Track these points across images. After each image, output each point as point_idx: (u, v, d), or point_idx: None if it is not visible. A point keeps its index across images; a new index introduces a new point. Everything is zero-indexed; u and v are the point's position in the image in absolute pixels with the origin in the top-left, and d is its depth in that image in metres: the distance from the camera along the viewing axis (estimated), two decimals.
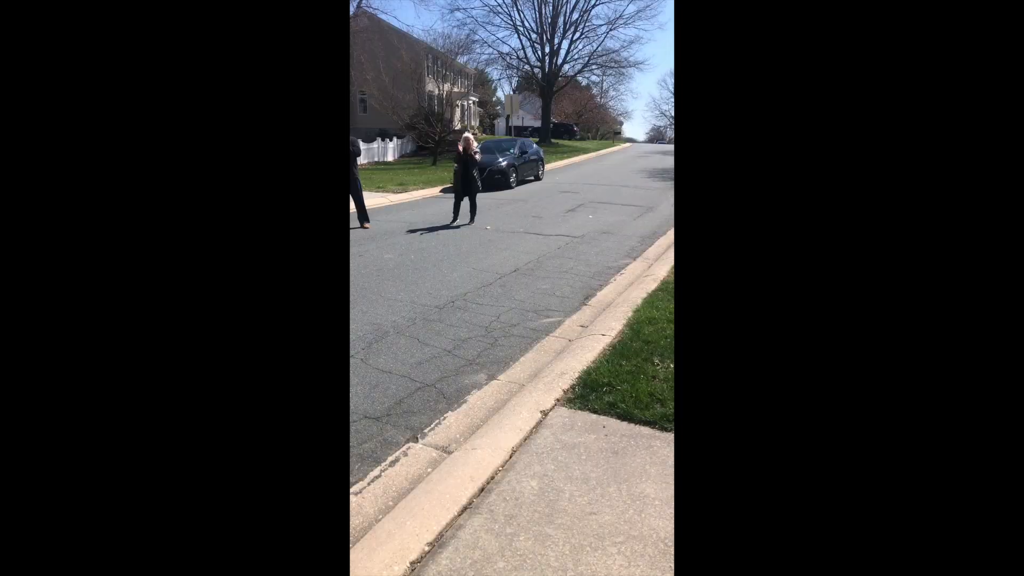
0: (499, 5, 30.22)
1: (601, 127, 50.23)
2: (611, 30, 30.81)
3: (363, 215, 7.83)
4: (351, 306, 4.34)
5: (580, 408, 2.61)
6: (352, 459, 2.32)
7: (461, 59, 28.27)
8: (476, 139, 8.95)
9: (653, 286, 4.60)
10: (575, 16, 30.18)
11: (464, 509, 1.92)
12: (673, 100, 62.83)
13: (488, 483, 2.07)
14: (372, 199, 8.29)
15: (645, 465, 2.15)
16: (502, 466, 2.18)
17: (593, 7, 30.32)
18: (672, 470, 2.11)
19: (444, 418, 2.68)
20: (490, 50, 30.95)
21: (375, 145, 22.08)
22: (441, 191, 12.54)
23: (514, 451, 2.28)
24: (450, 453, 2.36)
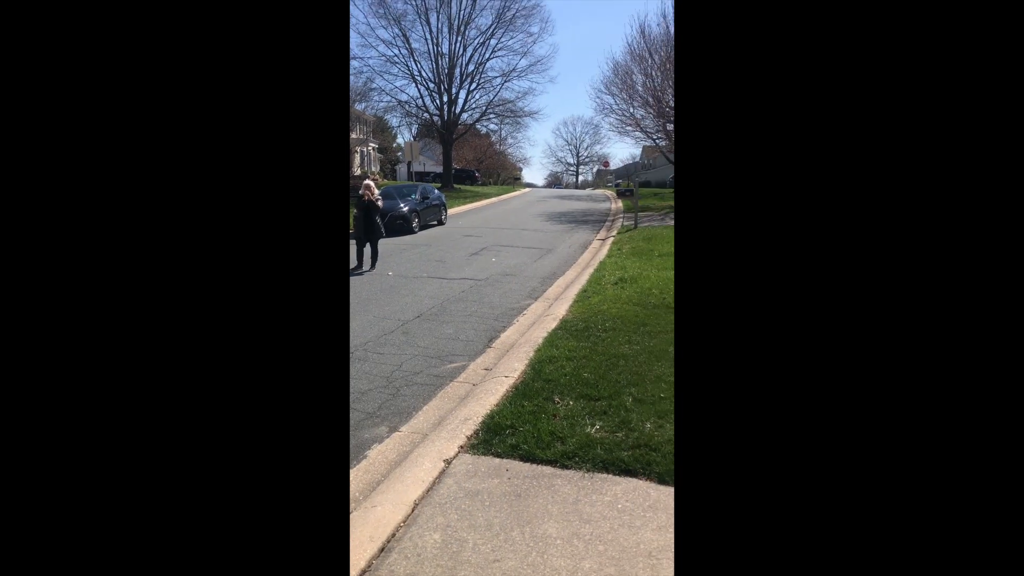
0: (396, 56, 30.72)
1: (501, 173, 51.99)
2: (506, 82, 32.37)
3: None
4: None
5: (483, 453, 2.61)
6: None
7: (359, 106, 28.26)
8: (377, 185, 8.90)
9: (553, 325, 4.75)
10: (471, 68, 31.46)
11: (363, 574, 1.83)
12: (569, 147, 66.54)
13: (389, 541, 1.99)
14: None
15: (547, 505, 2.18)
16: (404, 521, 2.11)
17: (488, 60, 31.79)
18: (573, 506, 2.16)
19: None
20: (388, 98, 31.19)
21: None
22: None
23: (416, 504, 2.22)
24: (349, 514, 2.25)
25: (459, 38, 30.59)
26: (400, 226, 12.47)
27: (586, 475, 2.39)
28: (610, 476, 2.38)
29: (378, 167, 35.08)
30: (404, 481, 2.38)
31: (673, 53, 18.77)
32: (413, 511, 2.17)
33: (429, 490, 2.32)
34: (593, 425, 2.80)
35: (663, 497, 2.21)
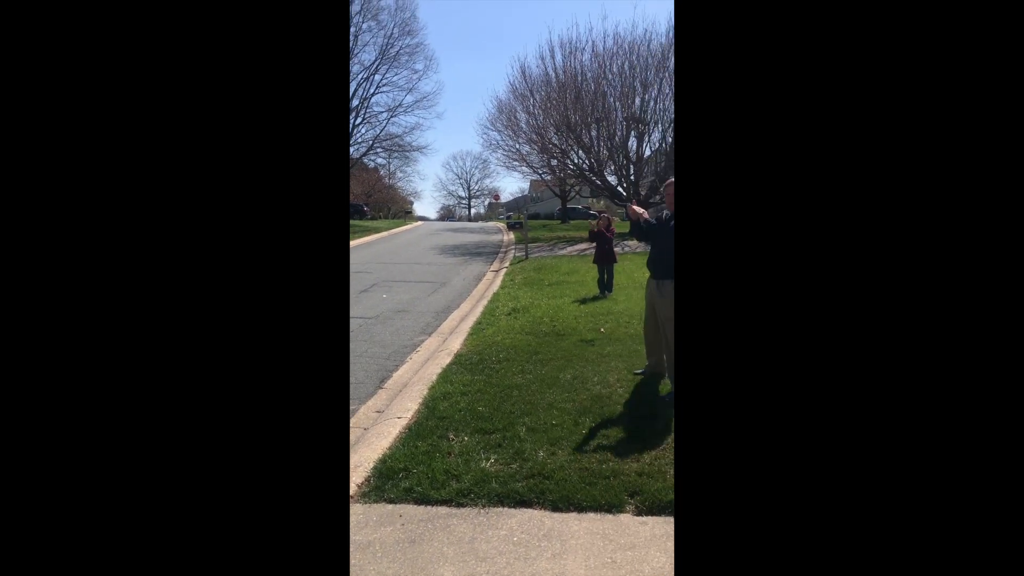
0: None
1: (392, 207, 51.39)
2: (392, 117, 32.36)
3: None
4: None
5: (375, 501, 2.50)
6: None
7: None
8: None
9: (448, 360, 4.72)
10: (355, 103, 31.10)
11: None
12: (460, 181, 67.53)
13: None
14: None
15: (442, 548, 2.12)
16: None
17: (372, 95, 31.64)
18: (469, 545, 2.13)
19: None
20: None
21: None
22: None
23: None
24: None
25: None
26: None
27: (482, 511, 2.37)
28: (505, 509, 2.38)
29: None
30: None
31: (552, 92, 19.96)
32: None
33: None
34: (488, 459, 2.80)
35: (557, 525, 2.25)
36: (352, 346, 5.68)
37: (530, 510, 2.36)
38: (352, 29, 29.73)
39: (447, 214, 68.99)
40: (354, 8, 29.41)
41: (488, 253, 16.42)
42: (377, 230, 27.74)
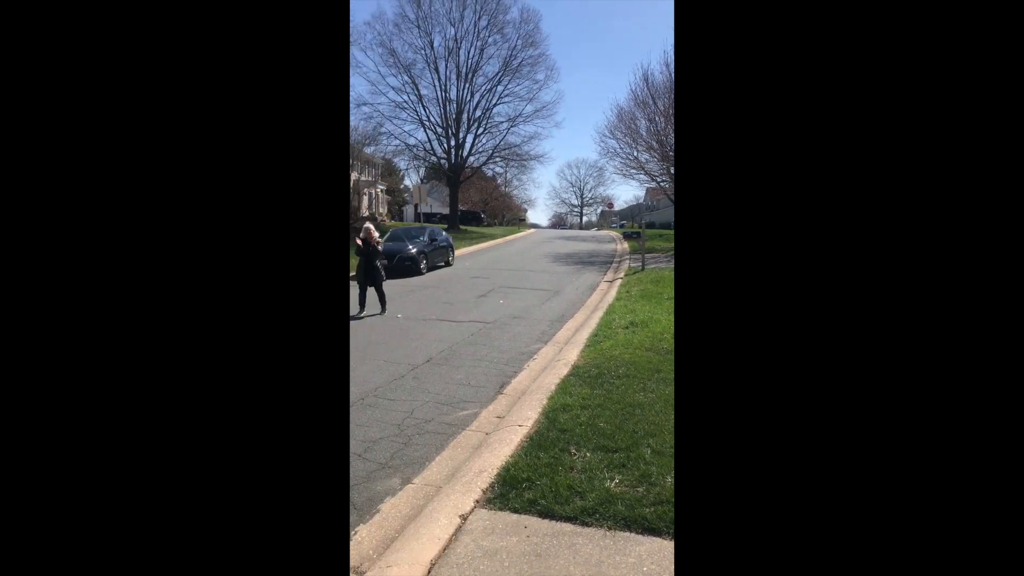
0: (405, 101, 31.67)
1: (507, 214, 52.67)
2: (512, 127, 33.21)
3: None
4: None
5: (500, 508, 2.53)
6: None
7: (368, 150, 28.96)
8: (386, 226, 8.99)
9: (565, 371, 4.70)
10: (478, 114, 32.36)
11: None
12: (573, 188, 67.53)
13: None
14: None
15: (569, 566, 2.09)
16: None
17: (495, 106, 32.71)
18: (596, 568, 2.08)
19: (355, 533, 2.48)
20: (397, 142, 32.00)
21: None
22: (352, 278, 12.30)
23: (433, 564, 2.14)
24: (362, 575, 2.16)
25: (467, 85, 31.58)
26: (408, 267, 12.55)
27: (608, 533, 2.31)
28: (633, 535, 2.29)
29: (385, 208, 35.65)
30: (420, 539, 2.30)
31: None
32: (430, 572, 2.09)
33: (445, 549, 2.24)
34: (612, 479, 2.72)
35: None
36: (472, 350, 5.87)
37: (660, 539, 2.25)
38: (478, 43, 30.98)
39: (559, 222, 69.28)
40: (482, 23, 30.63)
41: (601, 262, 16.20)
42: (492, 237, 28.58)
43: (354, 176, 24.35)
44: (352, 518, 2.60)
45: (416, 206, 35.25)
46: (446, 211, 36.06)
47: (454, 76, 31.50)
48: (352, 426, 3.73)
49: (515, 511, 2.50)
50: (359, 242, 8.06)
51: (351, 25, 36.35)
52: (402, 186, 44.98)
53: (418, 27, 30.62)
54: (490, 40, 31.22)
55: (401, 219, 40.45)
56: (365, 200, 27.73)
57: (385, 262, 8.19)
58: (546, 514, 2.46)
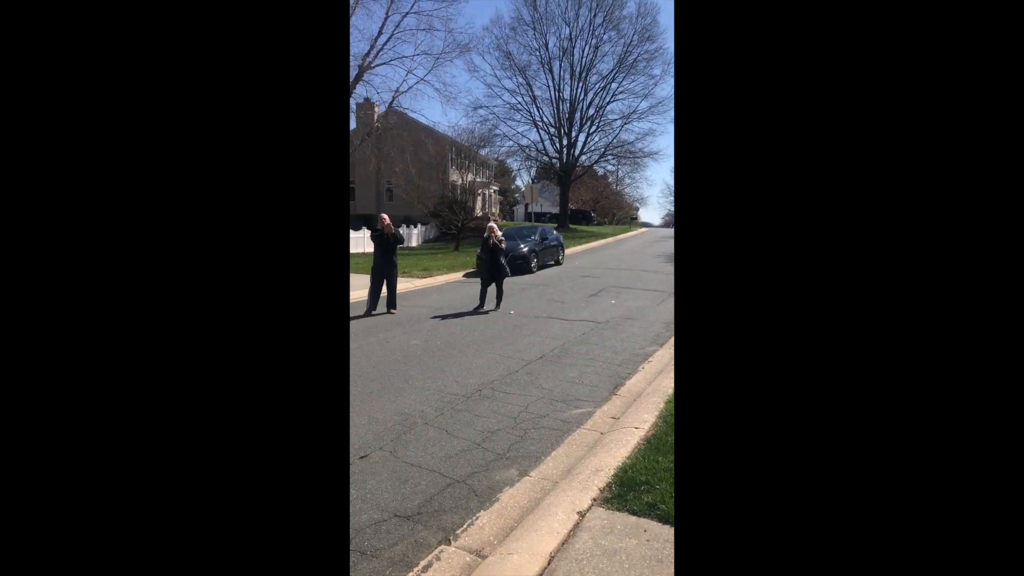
0: (519, 103, 32.30)
1: (618, 213, 51.68)
2: (625, 124, 32.51)
3: (392, 301, 8.00)
4: (379, 394, 4.33)
5: (618, 509, 2.50)
6: (383, 563, 2.23)
7: (483, 151, 29.95)
8: (498, 226, 9.23)
9: None
10: (591, 112, 32.09)
11: None
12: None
13: None
14: (398, 284, 8.49)
15: None
16: (540, 574, 2.06)
17: (608, 104, 32.25)
18: None
19: (476, 518, 2.59)
20: (510, 142, 32.74)
21: (401, 231, 22.94)
22: (464, 276, 12.81)
23: (552, 557, 2.17)
24: (484, 558, 2.25)
25: (580, 84, 31.47)
26: (520, 266, 12.78)
27: None
28: None
29: (497, 208, 36.63)
30: (538, 531, 2.35)
31: None
32: (549, 564, 2.12)
33: (564, 543, 2.26)
34: None
35: None
36: (584, 349, 5.85)
37: None
38: (593, 40, 30.68)
39: (672, 220, 66.61)
40: (597, 20, 30.29)
41: None
42: (602, 236, 28.22)
43: (469, 177, 25.32)
44: (472, 504, 2.71)
45: (527, 206, 35.81)
46: (556, 210, 36.23)
47: (568, 75, 31.54)
48: (470, 415, 3.89)
49: (634, 513, 2.46)
50: (492, 241, 8.27)
51: (470, 31, 37.71)
52: (513, 186, 45.93)
53: (533, 28, 31.06)
54: (605, 37, 30.83)
55: (512, 219, 41.29)
56: (479, 200, 28.73)
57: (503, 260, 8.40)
58: (666, 520, 2.39)
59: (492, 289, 8.38)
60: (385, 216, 8.24)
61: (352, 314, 7.82)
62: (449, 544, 2.38)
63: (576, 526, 2.38)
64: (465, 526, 2.51)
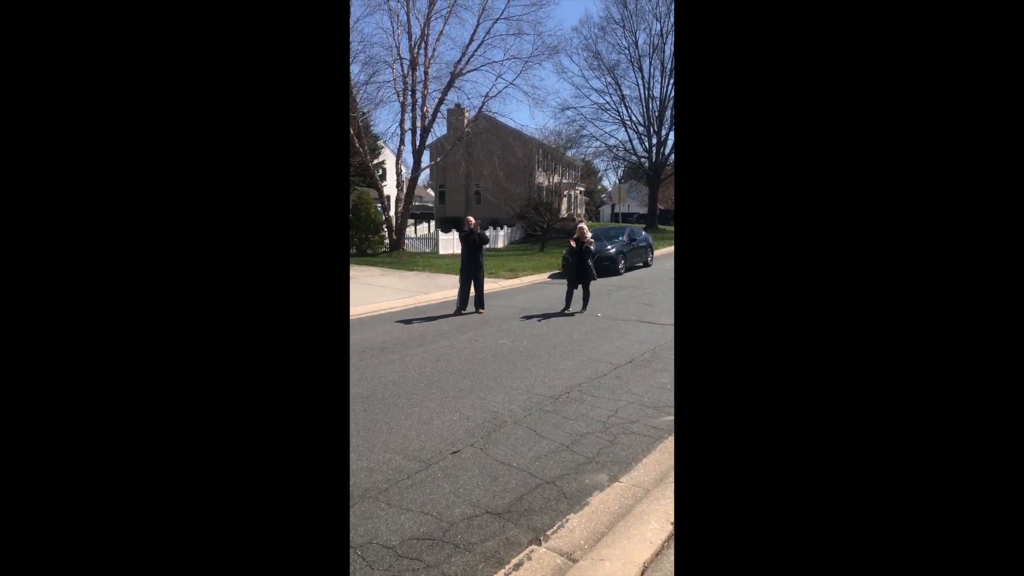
0: (607, 103, 31.84)
1: None
2: None
3: (480, 301, 8.18)
4: (469, 391, 4.44)
5: None
6: (476, 557, 2.28)
7: (569, 152, 29.83)
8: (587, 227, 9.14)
9: None
10: None
11: None
12: None
13: None
14: (485, 284, 8.66)
15: None
16: None
17: None
18: None
19: (567, 520, 2.57)
20: (597, 143, 32.36)
21: (488, 232, 23.43)
22: (550, 277, 12.83)
23: (645, 567, 2.11)
24: (575, 561, 2.24)
25: (671, 80, 30.44)
26: (607, 267, 12.58)
27: None
28: None
29: (583, 209, 36.34)
30: (631, 539, 2.30)
31: None
32: (643, 574, 2.07)
33: (658, 554, 2.19)
34: None
35: None
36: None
37: None
38: None
39: None
40: None
41: None
42: None
43: (555, 179, 25.33)
44: (562, 506, 2.70)
45: (613, 206, 35.21)
46: (643, 211, 35.31)
47: (658, 73, 30.65)
48: (559, 417, 3.88)
49: None
50: (572, 243, 8.27)
51: (558, 33, 37.76)
52: (599, 187, 45.32)
53: (623, 26, 30.50)
54: None
55: (598, 219, 40.80)
56: (565, 202, 28.66)
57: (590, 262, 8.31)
58: None
59: (579, 291, 8.32)
60: (471, 218, 8.46)
61: (442, 313, 8.09)
62: (539, 544, 2.38)
63: (670, 537, 2.30)
64: (555, 527, 2.51)
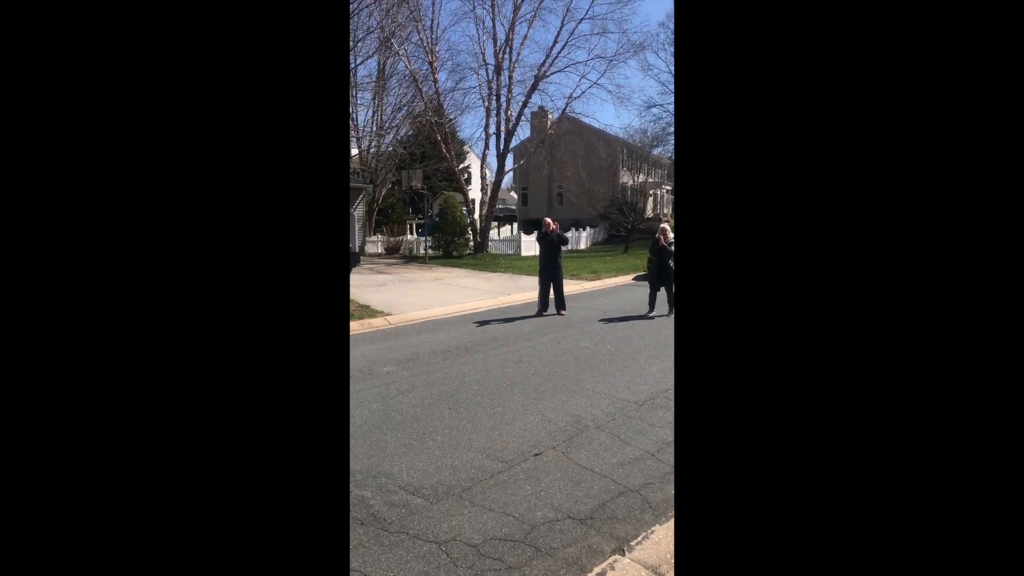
0: None
1: None
2: None
3: (560, 302, 8.15)
4: (551, 394, 4.42)
5: None
6: (558, 563, 2.26)
7: (656, 151, 28.96)
8: (671, 227, 8.82)
9: None
10: None
11: None
12: None
13: None
14: (566, 286, 8.62)
15: None
16: None
17: None
18: None
19: (652, 532, 2.48)
20: None
21: (570, 234, 23.31)
22: (634, 279, 12.52)
23: None
24: (662, 575, 2.15)
25: None
26: None
27: None
28: None
29: (670, 209, 35.13)
30: None
31: None
32: None
33: None
34: None
35: None
36: None
37: None
38: None
39: None
40: None
41: None
42: None
43: (640, 178, 24.71)
44: (647, 516, 2.61)
45: None
46: None
47: None
48: (643, 424, 3.76)
49: None
50: (660, 241, 8.04)
51: (644, 29, 36.86)
52: None
53: None
54: None
55: None
56: (650, 202, 27.88)
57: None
58: None
59: (663, 294, 8.04)
60: (549, 220, 8.44)
61: (524, 314, 8.14)
62: (623, 555, 2.32)
63: None
64: (640, 538, 2.43)
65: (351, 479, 2.96)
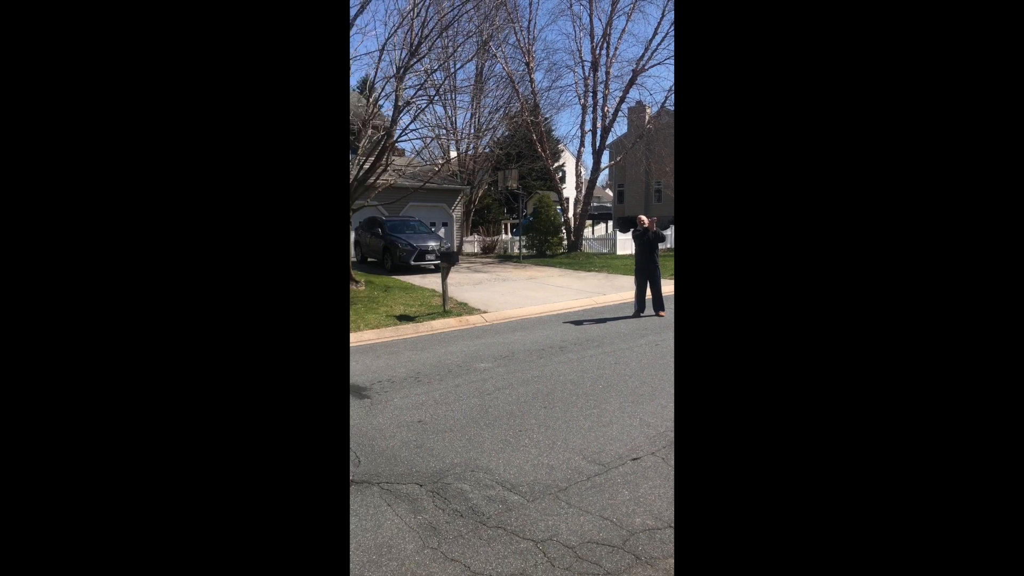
0: None
1: None
2: None
3: (659, 302, 7.89)
4: (649, 398, 4.29)
5: None
6: (659, 572, 2.18)
7: None
8: None
9: None
10: None
11: None
12: None
13: None
14: (665, 286, 8.31)
15: None
16: None
17: None
18: None
19: None
20: None
21: (668, 231, 22.50)
22: None
23: None
24: None
25: None
26: None
27: None
28: None
29: None
30: None
31: None
32: None
33: None
34: None
35: None
36: None
37: None
38: None
39: None
40: None
41: None
42: None
43: None
44: None
45: None
46: None
47: None
48: None
49: None
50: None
51: None
52: None
53: None
54: None
55: None
56: None
57: None
58: None
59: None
60: (644, 217, 8.21)
61: (619, 314, 7.98)
62: None
63: None
64: None
65: (450, 472, 3.06)
